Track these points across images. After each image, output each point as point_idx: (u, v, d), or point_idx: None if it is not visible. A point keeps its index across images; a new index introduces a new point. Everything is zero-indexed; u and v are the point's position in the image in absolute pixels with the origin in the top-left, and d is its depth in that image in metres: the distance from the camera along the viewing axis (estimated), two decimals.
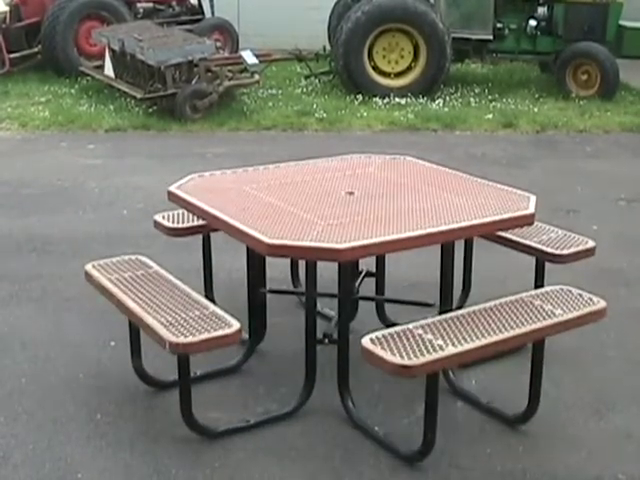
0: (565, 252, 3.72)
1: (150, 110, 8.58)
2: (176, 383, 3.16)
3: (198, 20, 11.27)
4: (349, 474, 2.97)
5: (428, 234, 3.00)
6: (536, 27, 9.65)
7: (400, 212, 3.20)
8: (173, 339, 2.85)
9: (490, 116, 8.63)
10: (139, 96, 8.36)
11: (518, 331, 2.89)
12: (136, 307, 3.09)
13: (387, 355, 2.69)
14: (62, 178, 6.57)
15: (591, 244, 3.82)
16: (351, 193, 3.46)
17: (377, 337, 2.79)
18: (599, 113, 8.74)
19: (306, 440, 3.16)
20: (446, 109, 8.87)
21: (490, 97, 9.49)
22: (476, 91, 9.73)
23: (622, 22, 10.16)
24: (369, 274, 4.01)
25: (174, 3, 11.44)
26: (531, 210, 3.25)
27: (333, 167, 3.97)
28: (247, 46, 9.77)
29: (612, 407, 3.41)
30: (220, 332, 2.89)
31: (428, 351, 2.71)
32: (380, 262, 4.03)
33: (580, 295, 3.19)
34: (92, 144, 7.64)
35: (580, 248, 3.78)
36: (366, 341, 2.78)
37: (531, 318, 2.98)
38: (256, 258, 3.58)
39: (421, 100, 9.14)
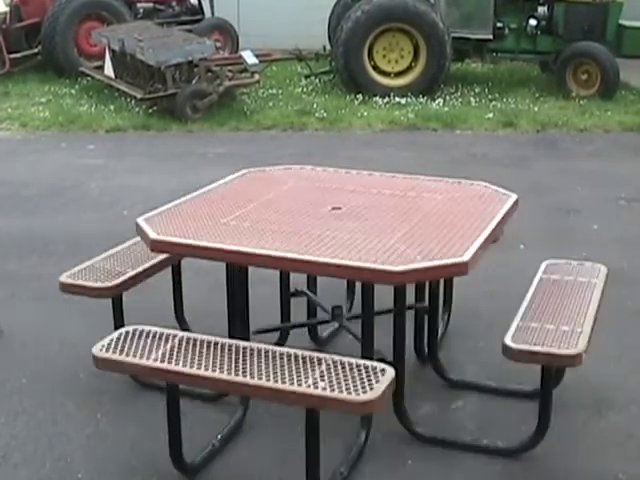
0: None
1: (150, 110, 8.58)
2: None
3: (198, 20, 11.27)
4: None
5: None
6: (536, 26, 9.65)
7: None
8: (358, 399, 2.43)
9: (490, 115, 8.63)
10: (139, 96, 8.36)
11: (593, 299, 3.17)
12: (269, 383, 2.53)
13: (552, 349, 2.78)
14: (62, 178, 6.57)
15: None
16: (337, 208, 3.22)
17: (514, 336, 2.86)
18: (599, 112, 8.74)
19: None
20: (446, 108, 8.87)
21: (490, 96, 9.49)
22: (476, 90, 9.73)
23: (622, 21, 10.15)
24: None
25: (174, 3, 11.45)
26: (464, 258, 2.71)
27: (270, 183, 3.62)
28: (247, 46, 9.77)
29: (612, 407, 3.41)
30: (388, 377, 2.52)
31: (572, 338, 2.86)
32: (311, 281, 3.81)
33: (569, 263, 3.43)
34: (92, 144, 7.64)
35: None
36: (510, 343, 2.83)
37: (580, 288, 3.24)
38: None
39: (421, 99, 9.13)
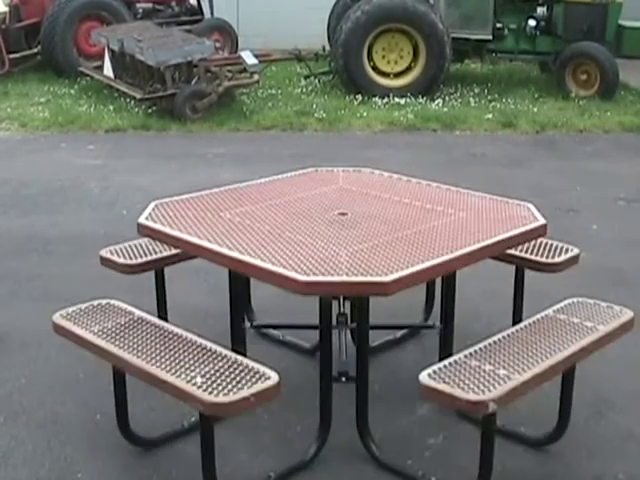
0: (556, 260, 3.59)
1: (150, 110, 8.58)
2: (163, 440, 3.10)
3: (197, 20, 11.28)
4: None
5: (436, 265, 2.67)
6: (535, 27, 9.66)
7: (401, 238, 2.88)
8: (213, 400, 2.40)
9: (490, 116, 8.63)
10: (139, 96, 8.36)
11: (570, 350, 2.74)
12: (150, 367, 2.61)
13: (456, 391, 2.43)
14: (62, 178, 6.57)
15: (576, 251, 3.69)
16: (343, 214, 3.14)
17: (435, 372, 2.54)
18: (599, 113, 8.74)
19: (307, 440, 3.16)
20: (446, 109, 8.88)
21: (490, 97, 9.49)
22: (476, 91, 9.73)
23: (621, 22, 10.15)
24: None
25: (173, 3, 11.45)
26: (541, 221, 3.11)
27: (298, 186, 3.54)
28: (246, 46, 9.78)
29: (612, 407, 3.41)
30: (263, 385, 2.46)
31: (498, 383, 2.49)
32: None
33: (598, 305, 3.07)
34: (92, 144, 7.64)
35: (567, 256, 3.64)
36: (425, 377, 2.51)
37: (573, 336, 2.83)
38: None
39: (421, 100, 9.14)
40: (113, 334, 2.85)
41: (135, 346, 2.75)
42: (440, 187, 3.51)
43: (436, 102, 9.12)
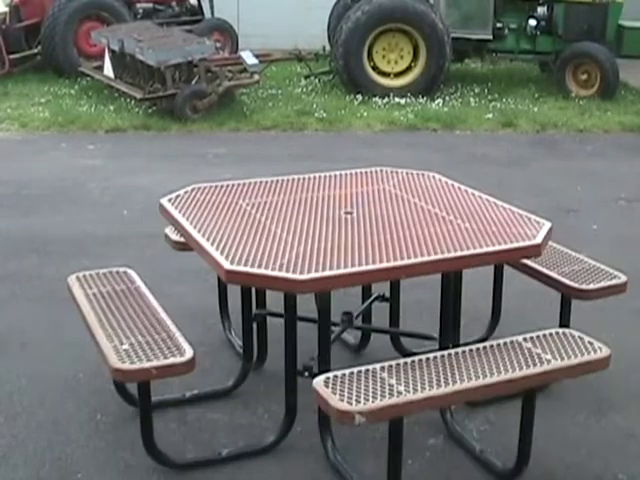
0: (590, 287, 3.34)
1: (150, 110, 8.59)
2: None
3: (198, 20, 11.27)
4: None
5: (405, 265, 2.67)
6: (536, 27, 9.65)
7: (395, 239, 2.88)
8: (116, 365, 2.67)
9: (490, 116, 8.63)
10: (139, 96, 8.36)
11: (494, 379, 2.55)
12: (95, 326, 2.92)
13: (331, 398, 2.40)
14: (62, 179, 6.57)
15: (622, 279, 3.41)
16: (349, 213, 3.15)
17: (332, 378, 2.51)
18: (599, 113, 8.74)
19: (308, 440, 3.16)
20: (446, 109, 8.88)
21: (490, 97, 9.49)
22: (476, 91, 9.73)
23: (622, 22, 10.15)
24: (382, 299, 3.76)
25: (174, 3, 11.45)
26: (537, 240, 2.90)
27: (341, 183, 3.59)
28: (247, 46, 9.78)
29: (612, 406, 3.41)
30: (171, 360, 2.69)
31: (385, 397, 2.42)
32: (395, 287, 3.71)
33: (581, 339, 2.82)
34: (92, 144, 7.64)
35: (609, 283, 3.39)
36: (319, 382, 2.48)
37: (518, 364, 2.63)
38: None
39: (421, 100, 9.14)
40: (101, 298, 3.15)
41: (106, 309, 3.05)
42: (480, 197, 3.39)
43: (436, 102, 9.12)
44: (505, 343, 2.76)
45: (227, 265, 2.62)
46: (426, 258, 2.71)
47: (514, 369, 2.60)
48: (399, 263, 2.67)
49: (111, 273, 3.38)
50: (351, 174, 3.68)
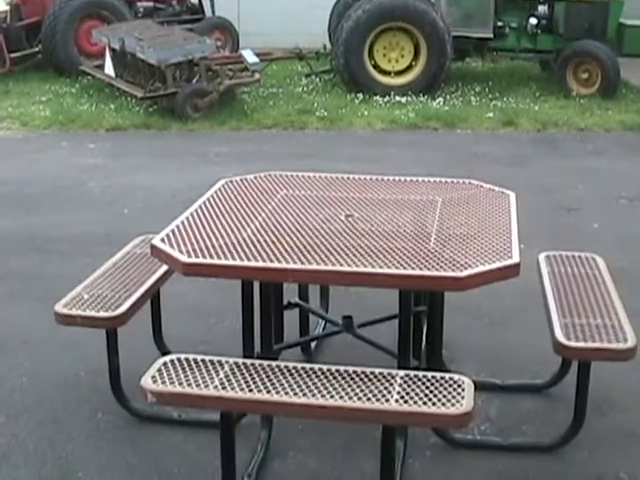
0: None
1: (151, 109, 8.58)
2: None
3: (198, 19, 11.26)
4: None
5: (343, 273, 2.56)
6: (537, 25, 9.64)
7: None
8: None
9: (491, 114, 8.63)
10: (140, 95, 8.36)
11: (311, 401, 2.43)
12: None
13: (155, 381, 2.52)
14: (63, 177, 6.57)
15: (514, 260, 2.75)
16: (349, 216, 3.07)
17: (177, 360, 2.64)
18: (600, 111, 8.73)
19: (309, 439, 3.16)
20: (447, 108, 8.87)
21: (491, 96, 9.48)
22: (477, 90, 9.72)
23: (623, 20, 10.14)
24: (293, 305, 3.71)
25: (174, 2, 11.44)
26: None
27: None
28: (247, 45, 9.77)
29: (614, 406, 3.41)
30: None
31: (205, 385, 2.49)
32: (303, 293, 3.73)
33: (458, 387, 2.51)
34: (93, 143, 7.64)
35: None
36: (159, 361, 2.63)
37: (370, 395, 2.45)
38: None
39: (422, 99, 9.13)
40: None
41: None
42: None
43: (437, 101, 9.12)
44: (381, 372, 2.58)
45: (183, 259, 2.62)
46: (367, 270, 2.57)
47: (357, 399, 2.44)
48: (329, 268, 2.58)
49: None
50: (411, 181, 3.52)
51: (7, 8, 10.17)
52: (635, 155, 7.46)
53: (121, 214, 5.73)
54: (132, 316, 3.19)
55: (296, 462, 3.05)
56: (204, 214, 3.05)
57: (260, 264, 2.60)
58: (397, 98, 9.12)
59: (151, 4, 11.20)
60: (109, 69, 9.10)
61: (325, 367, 2.62)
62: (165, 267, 3.37)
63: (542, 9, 9.68)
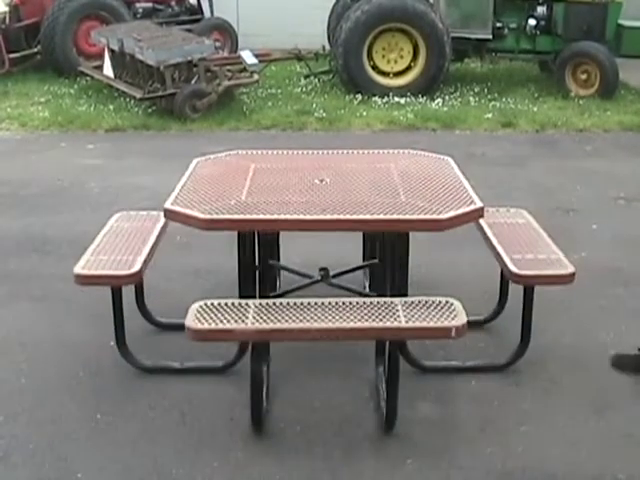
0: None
1: (149, 110, 8.58)
2: None
3: (197, 20, 11.26)
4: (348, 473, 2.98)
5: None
6: (535, 26, 9.64)
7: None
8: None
9: (489, 115, 8.63)
10: (138, 96, 8.35)
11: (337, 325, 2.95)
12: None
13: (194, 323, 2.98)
14: (62, 178, 6.57)
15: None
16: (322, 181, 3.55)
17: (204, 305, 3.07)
18: (598, 112, 8.74)
19: (305, 438, 3.17)
20: (445, 108, 8.87)
21: (489, 96, 9.48)
22: (475, 90, 9.72)
23: (621, 21, 10.14)
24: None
25: (173, 3, 11.43)
26: (479, 204, 3.24)
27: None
28: (246, 46, 9.77)
29: (612, 407, 3.41)
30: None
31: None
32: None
33: (449, 306, 3.10)
34: (92, 144, 7.64)
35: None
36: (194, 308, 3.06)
37: (372, 318, 3.00)
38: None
39: (420, 100, 9.13)
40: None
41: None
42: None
43: (436, 101, 9.12)
44: (385, 301, 3.14)
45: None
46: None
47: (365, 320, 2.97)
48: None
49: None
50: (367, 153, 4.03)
51: (6, 9, 10.17)
52: (634, 156, 7.47)
53: None
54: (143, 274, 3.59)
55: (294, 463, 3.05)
56: (196, 185, 3.51)
57: (262, 217, 3.12)
58: (396, 99, 9.12)
59: (150, 5, 11.20)
60: (108, 70, 9.10)
61: (334, 300, 3.10)
62: (155, 234, 3.90)
63: (541, 10, 9.68)
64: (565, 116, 8.56)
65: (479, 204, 3.21)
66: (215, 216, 3.12)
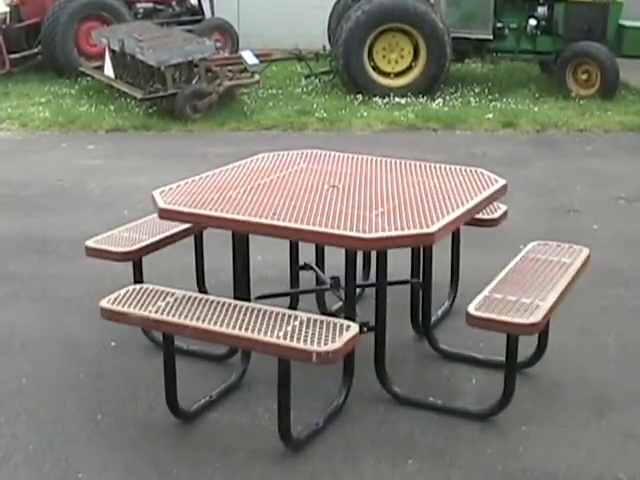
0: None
1: (150, 110, 8.59)
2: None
3: (198, 20, 11.27)
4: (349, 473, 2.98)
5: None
6: (536, 26, 9.65)
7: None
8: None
9: (490, 116, 8.63)
10: (139, 96, 8.36)
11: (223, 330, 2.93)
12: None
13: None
14: (62, 178, 6.57)
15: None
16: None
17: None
18: (599, 112, 8.74)
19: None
20: (446, 109, 8.87)
21: (490, 97, 9.49)
22: (476, 91, 9.73)
23: (622, 21, 10.14)
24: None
25: (174, 3, 11.45)
26: (431, 229, 2.98)
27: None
28: (247, 46, 9.77)
29: (612, 406, 3.41)
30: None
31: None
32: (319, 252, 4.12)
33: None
34: (92, 144, 7.64)
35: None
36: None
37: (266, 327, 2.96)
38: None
39: (421, 100, 9.14)
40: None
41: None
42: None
43: (437, 102, 9.12)
44: (285, 313, 3.02)
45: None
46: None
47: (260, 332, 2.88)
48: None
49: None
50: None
51: (7, 9, 10.18)
52: (634, 156, 7.47)
53: (121, 215, 5.72)
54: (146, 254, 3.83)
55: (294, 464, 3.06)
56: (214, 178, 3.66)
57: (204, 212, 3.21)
58: (396, 99, 9.12)
59: (151, 5, 11.21)
60: (109, 70, 9.11)
61: (256, 307, 3.05)
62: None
63: (542, 10, 9.69)
64: (566, 116, 8.56)
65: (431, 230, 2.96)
66: (169, 207, 3.28)
